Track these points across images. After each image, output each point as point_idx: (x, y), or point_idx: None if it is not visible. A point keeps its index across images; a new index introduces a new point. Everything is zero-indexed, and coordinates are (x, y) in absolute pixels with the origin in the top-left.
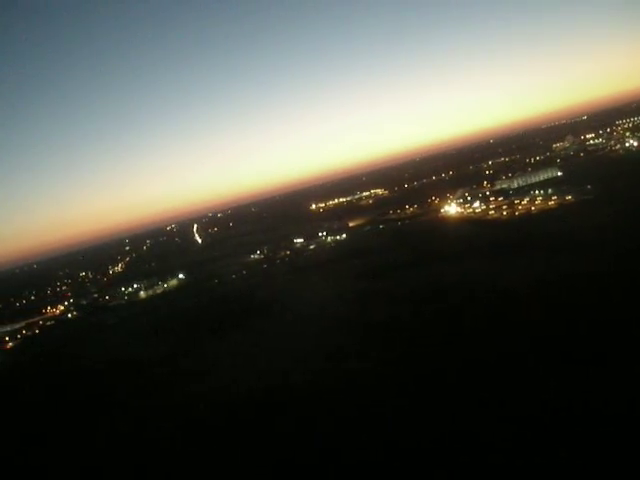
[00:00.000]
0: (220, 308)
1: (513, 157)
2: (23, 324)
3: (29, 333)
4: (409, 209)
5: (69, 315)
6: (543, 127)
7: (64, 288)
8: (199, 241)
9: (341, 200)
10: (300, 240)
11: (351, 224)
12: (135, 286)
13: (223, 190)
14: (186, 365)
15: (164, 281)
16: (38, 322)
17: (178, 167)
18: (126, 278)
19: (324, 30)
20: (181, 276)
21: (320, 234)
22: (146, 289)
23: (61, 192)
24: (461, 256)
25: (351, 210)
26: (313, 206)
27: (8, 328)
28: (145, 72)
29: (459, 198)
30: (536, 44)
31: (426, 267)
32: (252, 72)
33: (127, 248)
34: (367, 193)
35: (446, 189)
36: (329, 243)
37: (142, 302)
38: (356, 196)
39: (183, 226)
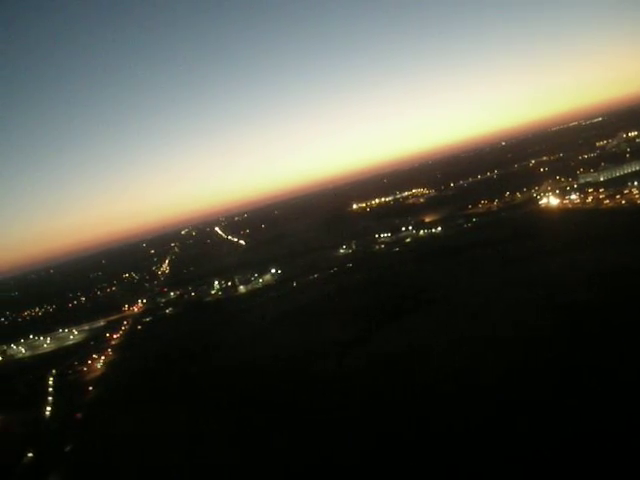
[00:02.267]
0: (377, 296)
1: (555, 156)
2: (103, 322)
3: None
4: (486, 204)
5: (147, 313)
6: (553, 129)
7: (113, 289)
8: (241, 242)
9: (383, 200)
10: (386, 234)
11: (427, 219)
12: (216, 283)
13: (225, 196)
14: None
15: (260, 276)
16: (118, 320)
17: (184, 173)
18: (187, 278)
19: (346, 28)
20: (273, 271)
21: (404, 228)
22: (244, 284)
23: (60, 199)
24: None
25: (402, 209)
26: (354, 206)
27: (86, 327)
28: (152, 74)
29: (548, 191)
30: (540, 47)
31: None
32: (261, 72)
33: (152, 251)
34: (409, 193)
35: (509, 185)
36: (422, 236)
37: (248, 296)
38: (397, 196)
39: (199, 229)
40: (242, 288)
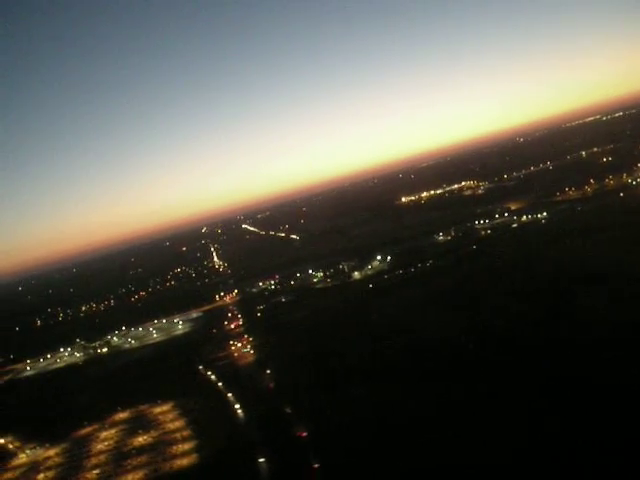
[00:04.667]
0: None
1: (606, 147)
2: (197, 313)
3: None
4: (575, 192)
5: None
6: (570, 125)
7: (173, 283)
8: (294, 237)
9: (433, 192)
10: (481, 221)
11: (513, 207)
12: (311, 271)
13: (232, 194)
14: None
15: (366, 263)
16: (215, 310)
17: (191, 173)
18: (256, 271)
19: (359, 26)
20: (379, 257)
21: (497, 215)
22: (355, 270)
23: (62, 202)
24: None
25: (464, 200)
26: (403, 199)
27: (178, 318)
28: (152, 74)
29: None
30: (546, 46)
31: None
32: (259, 67)
33: (184, 249)
34: (458, 185)
35: (578, 174)
36: (527, 221)
37: (365, 282)
38: (447, 188)
39: (224, 227)
40: (356, 274)
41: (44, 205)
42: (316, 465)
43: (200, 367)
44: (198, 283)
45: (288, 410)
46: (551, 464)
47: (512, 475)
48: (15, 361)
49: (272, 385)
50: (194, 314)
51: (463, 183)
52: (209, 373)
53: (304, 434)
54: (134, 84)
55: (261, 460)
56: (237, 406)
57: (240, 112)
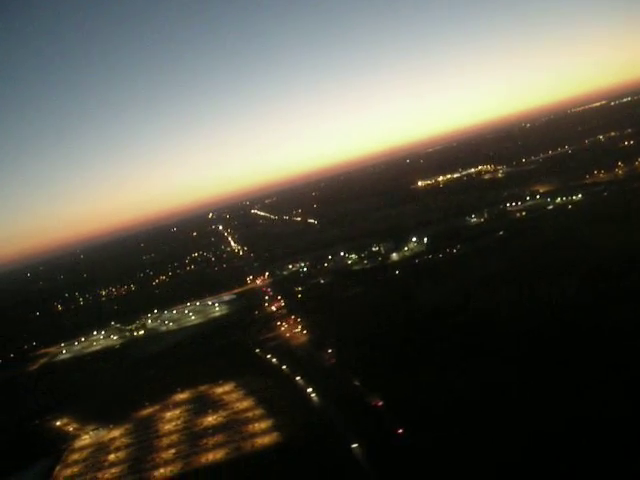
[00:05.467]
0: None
1: (624, 131)
2: (229, 295)
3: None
4: (604, 175)
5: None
6: (569, 112)
7: (193, 267)
8: (311, 221)
9: (449, 177)
10: (512, 203)
11: (541, 189)
12: (342, 253)
13: (234, 181)
14: None
15: (402, 245)
16: (248, 292)
17: (199, 159)
18: (279, 255)
19: (350, 18)
20: (414, 239)
21: (528, 198)
22: (388, 253)
23: (62, 190)
24: None
25: (484, 184)
26: (419, 183)
27: (210, 301)
28: (149, 65)
29: None
30: (547, 31)
31: None
32: (257, 58)
33: (194, 234)
34: (475, 169)
35: (600, 157)
36: (562, 203)
37: (405, 263)
38: (464, 173)
39: (231, 212)
40: (394, 256)
41: (43, 193)
42: (400, 430)
43: (253, 347)
44: (220, 267)
45: (356, 383)
46: None
47: None
48: (47, 345)
49: (334, 362)
50: (226, 297)
51: (480, 167)
52: (264, 353)
53: (380, 403)
54: (136, 69)
55: (347, 429)
56: (303, 384)
57: (242, 99)
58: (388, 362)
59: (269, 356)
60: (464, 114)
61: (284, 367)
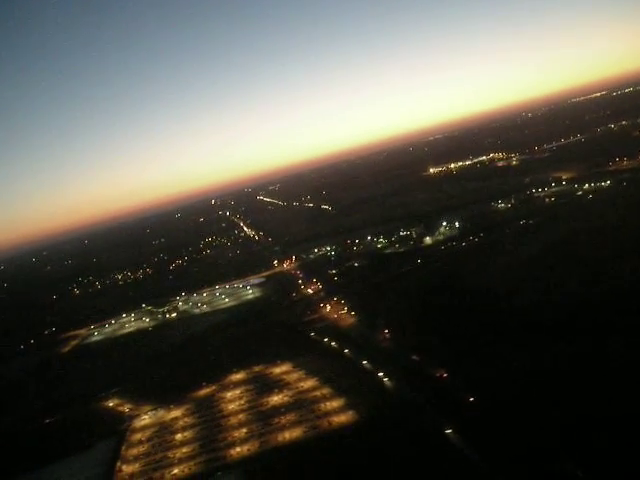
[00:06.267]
0: None
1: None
2: (257, 279)
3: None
4: (628, 162)
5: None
6: (569, 102)
7: (208, 252)
8: (325, 207)
9: (461, 164)
10: (538, 189)
11: (564, 176)
12: (369, 238)
13: (231, 169)
14: None
15: (433, 230)
16: (275, 275)
17: (200, 147)
18: (300, 239)
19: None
20: (444, 224)
21: (554, 184)
22: (420, 238)
23: (60, 177)
24: None
25: (498, 171)
26: (431, 170)
27: (238, 284)
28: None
29: None
30: (544, 23)
31: None
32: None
33: (201, 219)
34: (487, 157)
35: (618, 145)
36: (590, 190)
37: (440, 246)
38: (475, 160)
39: (236, 198)
40: (428, 240)
41: (41, 180)
42: (471, 399)
43: (300, 328)
44: (239, 251)
45: (415, 358)
46: None
47: None
48: (75, 327)
49: (390, 341)
50: (254, 280)
51: (491, 155)
52: (314, 334)
53: (445, 375)
54: (140, 56)
55: (421, 403)
56: (364, 362)
57: (241, 87)
58: (444, 340)
59: (320, 337)
60: (462, 105)
61: (338, 347)
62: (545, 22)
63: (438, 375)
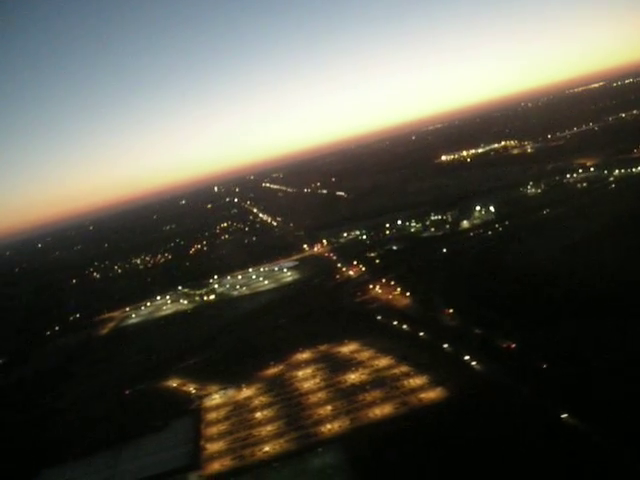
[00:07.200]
0: None
1: None
2: (290, 262)
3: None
4: None
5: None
6: (567, 92)
7: (227, 237)
8: (340, 194)
9: (473, 152)
10: (567, 175)
11: (588, 163)
12: (400, 222)
13: (231, 157)
14: None
15: (467, 214)
16: (308, 258)
17: (200, 135)
18: (326, 223)
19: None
20: (478, 208)
21: (581, 170)
22: (456, 222)
23: (59, 164)
24: None
25: (513, 158)
26: (443, 157)
27: (269, 267)
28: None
29: None
30: (543, 14)
31: None
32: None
33: (209, 206)
34: (499, 145)
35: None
36: (622, 175)
37: (475, 230)
38: (487, 148)
39: (240, 186)
40: (465, 223)
41: (41, 168)
42: (544, 365)
43: (356, 308)
44: (260, 236)
45: (479, 332)
46: None
47: None
48: (109, 310)
49: (451, 319)
50: (287, 263)
51: (504, 143)
52: (371, 313)
53: (513, 345)
54: (146, 46)
55: (500, 375)
56: (432, 339)
57: (241, 74)
58: (503, 316)
59: (379, 317)
60: (460, 95)
61: (402, 325)
62: (544, 14)
63: (505, 346)
